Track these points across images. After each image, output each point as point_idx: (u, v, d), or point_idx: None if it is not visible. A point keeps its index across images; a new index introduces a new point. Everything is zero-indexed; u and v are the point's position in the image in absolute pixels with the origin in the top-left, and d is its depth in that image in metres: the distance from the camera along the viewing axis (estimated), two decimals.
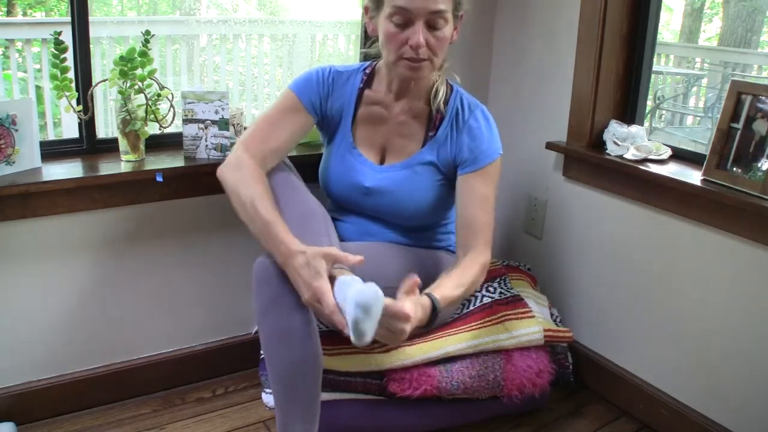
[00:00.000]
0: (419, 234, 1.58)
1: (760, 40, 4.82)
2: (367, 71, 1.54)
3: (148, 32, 1.60)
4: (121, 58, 1.57)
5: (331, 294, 1.19)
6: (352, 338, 1.11)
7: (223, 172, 1.41)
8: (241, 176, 1.36)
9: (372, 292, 1.10)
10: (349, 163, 1.53)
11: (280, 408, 1.31)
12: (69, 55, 1.54)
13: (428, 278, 1.34)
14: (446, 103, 1.50)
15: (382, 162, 1.54)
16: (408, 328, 1.15)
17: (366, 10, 1.46)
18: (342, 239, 1.49)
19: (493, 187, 1.49)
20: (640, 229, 1.70)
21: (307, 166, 1.52)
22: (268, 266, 1.30)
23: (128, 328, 1.72)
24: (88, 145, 1.68)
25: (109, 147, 1.68)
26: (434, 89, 1.49)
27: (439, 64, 1.44)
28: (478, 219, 1.45)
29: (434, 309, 1.26)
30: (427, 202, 1.52)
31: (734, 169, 1.48)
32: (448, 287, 1.33)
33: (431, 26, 1.35)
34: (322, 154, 1.65)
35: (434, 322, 1.29)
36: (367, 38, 1.63)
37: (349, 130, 1.53)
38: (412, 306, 1.16)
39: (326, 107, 1.53)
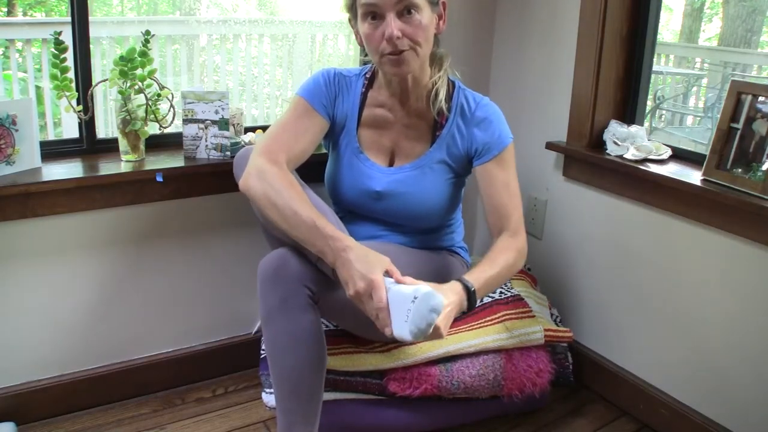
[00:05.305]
0: (426, 236, 1.57)
1: (760, 40, 4.81)
2: (368, 75, 1.54)
3: (148, 32, 1.60)
4: (121, 58, 1.57)
5: (384, 290, 1.18)
6: (409, 337, 1.15)
7: (248, 184, 1.33)
8: (270, 184, 1.30)
9: (440, 297, 1.17)
10: (358, 168, 1.52)
11: (283, 409, 1.31)
12: (69, 55, 1.54)
13: (439, 278, 1.35)
14: (449, 100, 1.50)
15: (390, 165, 1.53)
16: (444, 332, 1.21)
17: (350, 22, 1.46)
18: None
19: (513, 171, 1.50)
20: (640, 229, 1.70)
21: (303, 166, 1.51)
22: (275, 265, 1.29)
23: (128, 328, 1.72)
24: (88, 145, 1.68)
25: (109, 147, 1.68)
26: (434, 91, 1.47)
27: (427, 53, 1.41)
28: (504, 204, 1.46)
29: (469, 292, 1.28)
30: (438, 202, 1.51)
31: (734, 169, 1.48)
32: (480, 270, 1.35)
33: (404, 15, 1.34)
34: (322, 154, 1.65)
35: (474, 305, 1.30)
36: None
37: (354, 135, 1.52)
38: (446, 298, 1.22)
39: (335, 110, 1.52)
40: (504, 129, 1.50)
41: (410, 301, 1.14)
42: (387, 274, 1.22)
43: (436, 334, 1.19)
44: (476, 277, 1.32)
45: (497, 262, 1.38)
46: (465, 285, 1.28)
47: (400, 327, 1.15)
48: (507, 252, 1.41)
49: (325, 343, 1.33)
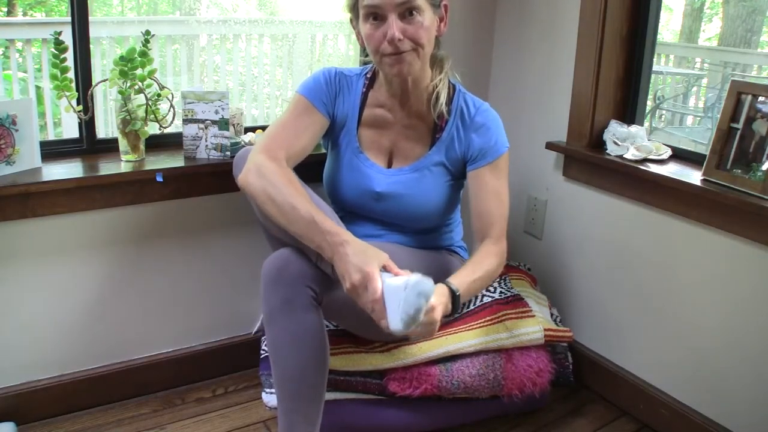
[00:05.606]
0: (425, 236, 1.57)
1: (760, 40, 4.82)
2: (368, 75, 1.54)
3: (148, 32, 1.60)
4: (121, 58, 1.57)
5: (379, 282, 1.18)
6: (400, 326, 1.14)
7: (247, 180, 1.34)
8: (269, 180, 1.31)
9: (431, 283, 1.16)
10: (357, 168, 1.52)
11: (285, 410, 1.31)
12: (69, 55, 1.54)
13: (438, 277, 1.34)
14: (450, 103, 1.50)
15: (389, 166, 1.53)
16: (438, 316, 1.21)
17: (351, 22, 1.46)
18: None
19: (504, 180, 1.50)
20: (640, 229, 1.70)
21: (302, 166, 1.51)
22: (277, 266, 1.29)
23: (128, 328, 1.72)
24: (88, 145, 1.68)
25: (109, 147, 1.68)
26: (435, 94, 1.47)
27: (428, 55, 1.42)
28: (491, 211, 1.47)
29: (454, 295, 1.29)
30: (437, 204, 1.52)
31: (734, 169, 1.48)
32: (464, 274, 1.36)
33: (406, 17, 1.34)
34: (320, 154, 1.65)
35: (458, 309, 1.31)
36: None
37: (354, 134, 1.52)
38: (436, 297, 1.22)
39: (335, 108, 1.52)
40: (501, 136, 1.50)
41: (402, 291, 1.15)
42: (385, 269, 1.22)
43: (429, 323, 1.19)
44: (460, 281, 1.33)
45: (481, 266, 1.40)
46: (450, 288, 1.29)
47: (393, 317, 1.15)
48: (490, 258, 1.43)
49: (327, 344, 1.33)
